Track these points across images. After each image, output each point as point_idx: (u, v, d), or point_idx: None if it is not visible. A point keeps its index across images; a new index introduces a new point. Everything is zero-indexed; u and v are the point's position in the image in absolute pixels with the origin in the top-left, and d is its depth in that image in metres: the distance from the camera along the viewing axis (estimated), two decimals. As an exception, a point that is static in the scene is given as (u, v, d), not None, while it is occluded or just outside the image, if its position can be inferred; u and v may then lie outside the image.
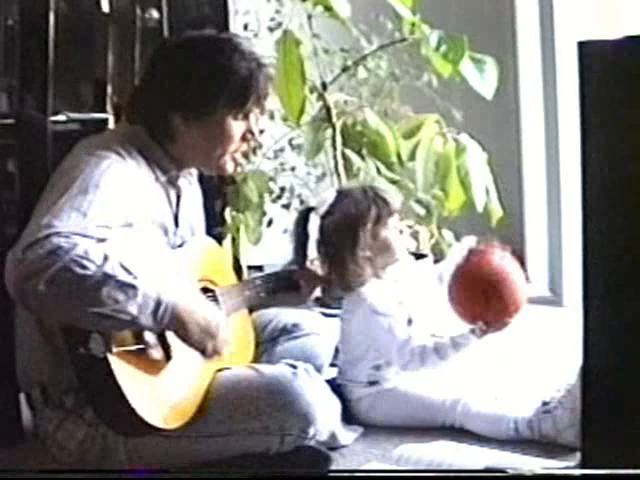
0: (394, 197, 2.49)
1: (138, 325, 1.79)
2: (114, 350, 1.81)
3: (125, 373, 1.82)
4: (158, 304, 1.78)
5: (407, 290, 2.47)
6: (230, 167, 2.15)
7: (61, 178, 1.89)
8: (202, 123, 2.06)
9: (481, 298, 2.28)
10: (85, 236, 1.74)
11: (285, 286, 2.36)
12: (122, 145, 2.00)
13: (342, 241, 2.36)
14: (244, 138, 2.12)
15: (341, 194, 2.42)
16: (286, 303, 2.41)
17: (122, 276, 1.74)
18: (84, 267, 1.70)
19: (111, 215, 1.84)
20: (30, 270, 1.68)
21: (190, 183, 2.22)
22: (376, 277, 2.40)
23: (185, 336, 1.86)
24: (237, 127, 2.09)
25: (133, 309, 1.75)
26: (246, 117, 2.11)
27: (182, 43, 2.13)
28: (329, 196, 2.42)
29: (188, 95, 2.04)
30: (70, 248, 1.70)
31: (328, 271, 2.40)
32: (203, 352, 1.91)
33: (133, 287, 1.75)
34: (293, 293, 2.38)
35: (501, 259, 2.32)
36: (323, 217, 2.40)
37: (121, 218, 1.87)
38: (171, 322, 1.82)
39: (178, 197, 2.15)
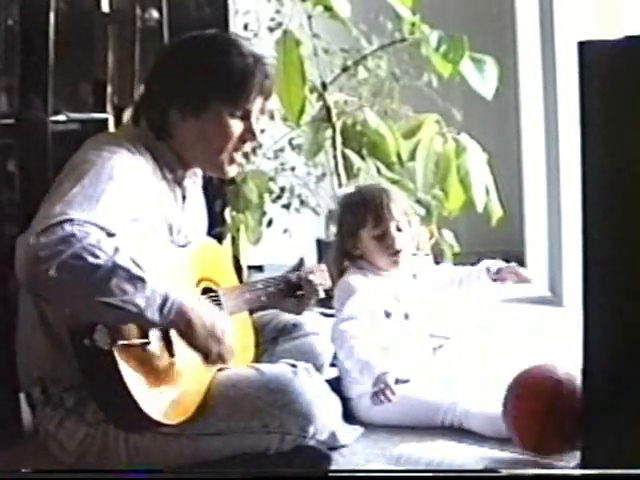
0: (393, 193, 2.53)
1: (144, 319, 1.78)
2: (119, 343, 1.81)
3: (129, 367, 1.82)
4: (165, 299, 1.79)
5: (408, 286, 2.48)
6: (230, 170, 2.12)
7: (72, 171, 1.89)
8: (198, 118, 2.05)
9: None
10: (98, 226, 1.75)
11: (286, 291, 2.36)
12: (131, 142, 2.01)
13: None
14: (243, 138, 2.09)
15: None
16: (286, 308, 2.41)
17: (132, 268, 1.75)
18: (96, 256, 1.71)
19: (122, 208, 1.85)
20: (42, 255, 1.69)
21: (195, 183, 2.22)
22: (375, 274, 2.44)
23: (190, 336, 1.85)
24: (234, 125, 2.07)
25: (141, 301, 1.75)
26: (245, 117, 2.08)
27: (182, 42, 2.15)
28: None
29: (184, 90, 2.04)
30: (83, 236, 1.71)
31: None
32: (207, 356, 1.89)
33: (142, 280, 1.76)
34: (294, 299, 2.38)
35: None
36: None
37: (130, 212, 1.88)
38: (177, 319, 1.81)
39: (184, 197, 2.16)
